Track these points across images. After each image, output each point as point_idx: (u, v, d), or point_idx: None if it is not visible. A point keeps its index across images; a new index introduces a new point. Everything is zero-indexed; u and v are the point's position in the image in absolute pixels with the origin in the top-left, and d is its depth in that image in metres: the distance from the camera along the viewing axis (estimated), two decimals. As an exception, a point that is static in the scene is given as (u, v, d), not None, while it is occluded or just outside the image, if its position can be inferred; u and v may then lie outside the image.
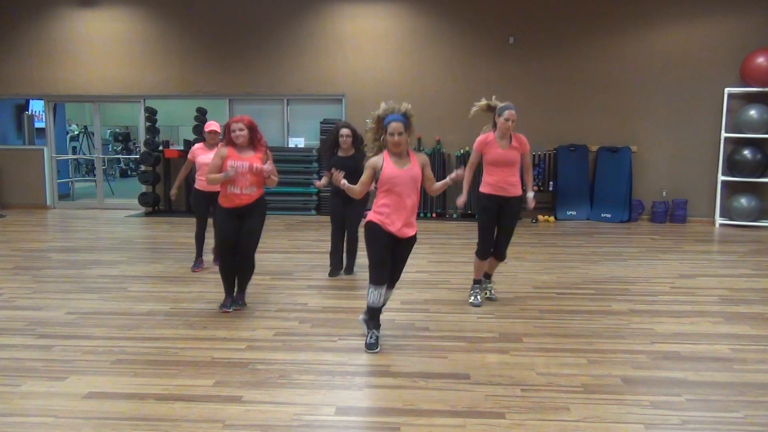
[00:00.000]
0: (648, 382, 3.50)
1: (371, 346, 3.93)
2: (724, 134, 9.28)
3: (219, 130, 5.73)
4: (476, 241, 4.99)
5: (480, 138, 4.89)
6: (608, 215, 9.58)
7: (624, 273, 6.17)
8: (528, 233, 8.50)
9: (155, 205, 10.41)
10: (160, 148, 10.42)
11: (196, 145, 6.14)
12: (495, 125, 4.83)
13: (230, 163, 4.47)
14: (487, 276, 5.16)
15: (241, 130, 4.51)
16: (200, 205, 6.04)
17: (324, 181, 5.74)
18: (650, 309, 4.93)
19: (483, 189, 4.89)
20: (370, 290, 3.91)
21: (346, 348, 4.02)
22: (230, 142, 4.56)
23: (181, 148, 10.51)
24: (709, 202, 9.56)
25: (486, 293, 5.12)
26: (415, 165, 3.87)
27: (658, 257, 6.97)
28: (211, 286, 5.54)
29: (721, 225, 9.30)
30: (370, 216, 3.90)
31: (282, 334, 4.29)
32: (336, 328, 4.40)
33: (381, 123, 3.87)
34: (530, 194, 4.97)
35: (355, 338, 4.21)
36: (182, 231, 8.72)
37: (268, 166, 4.57)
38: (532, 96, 9.68)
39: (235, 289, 4.86)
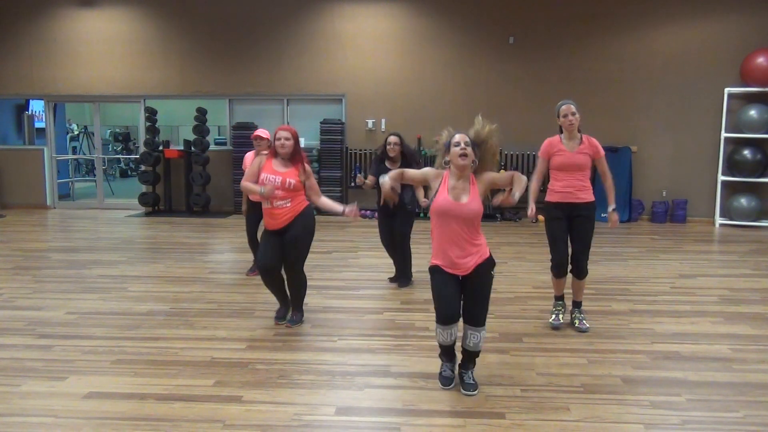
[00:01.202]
0: (648, 382, 3.50)
1: (445, 381, 3.44)
2: (724, 134, 9.27)
3: (264, 136, 5.54)
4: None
5: (545, 143, 4.42)
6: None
7: (624, 273, 6.17)
8: (528, 233, 8.50)
9: (155, 205, 10.41)
10: (160, 148, 10.41)
11: (248, 154, 5.93)
12: (561, 129, 4.40)
13: (263, 176, 4.28)
14: (577, 304, 4.47)
15: (287, 139, 4.29)
16: (250, 214, 5.80)
17: (369, 181, 5.37)
18: (650, 309, 4.93)
19: (549, 198, 4.38)
20: (437, 330, 3.35)
21: (346, 348, 4.02)
22: (274, 152, 4.35)
23: (181, 148, 10.51)
24: (709, 202, 9.56)
25: (576, 322, 4.41)
26: (475, 198, 3.28)
27: (658, 257, 6.97)
28: (212, 286, 5.54)
29: (721, 225, 9.30)
30: (433, 260, 3.38)
31: (282, 334, 4.29)
32: (336, 328, 4.40)
33: (449, 142, 3.39)
34: (612, 206, 4.41)
35: (355, 338, 4.22)
36: (182, 231, 8.73)
37: (339, 208, 4.32)
38: (532, 96, 9.69)
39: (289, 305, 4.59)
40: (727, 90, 9.20)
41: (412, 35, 10.04)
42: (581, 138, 4.37)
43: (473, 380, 3.39)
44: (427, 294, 5.26)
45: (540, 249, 7.45)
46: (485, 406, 3.19)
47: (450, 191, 3.28)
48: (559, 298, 4.54)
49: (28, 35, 10.58)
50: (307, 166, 4.39)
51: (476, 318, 3.31)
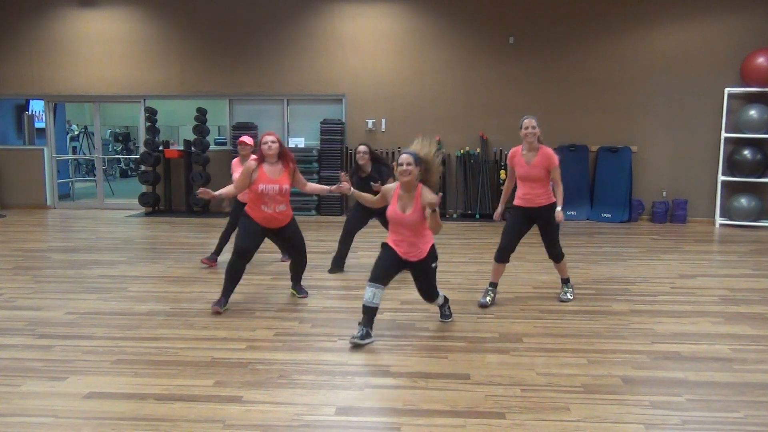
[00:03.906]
0: (648, 382, 3.50)
1: (353, 338, 4.02)
2: (724, 134, 9.27)
3: (248, 142, 5.99)
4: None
5: (510, 151, 5.05)
6: (608, 215, 9.59)
7: (624, 273, 6.17)
8: (528, 233, 8.48)
9: (155, 205, 10.42)
10: (160, 148, 10.41)
11: (234, 160, 6.26)
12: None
13: (261, 187, 4.71)
14: (564, 281, 5.18)
15: (273, 142, 4.77)
16: (238, 210, 5.94)
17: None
18: (650, 309, 4.93)
19: (515, 201, 5.02)
20: (366, 286, 4.05)
21: (346, 348, 4.02)
22: (261, 157, 4.78)
23: (181, 148, 10.51)
24: (709, 202, 9.56)
25: (561, 292, 5.19)
26: (417, 211, 4.06)
27: (658, 257, 6.97)
28: (212, 286, 5.54)
29: (721, 225, 9.30)
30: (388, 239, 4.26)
31: (282, 334, 4.29)
32: (336, 328, 4.40)
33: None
34: (558, 208, 4.90)
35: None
36: (182, 231, 8.73)
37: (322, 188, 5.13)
38: (532, 96, 9.69)
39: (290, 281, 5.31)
40: (727, 90, 9.20)
41: (412, 35, 10.04)
42: (537, 149, 4.84)
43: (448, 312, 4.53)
44: (427, 294, 5.29)
45: (540, 249, 7.43)
46: (485, 406, 3.19)
47: (398, 202, 4.13)
48: (494, 284, 5.04)
49: (28, 35, 10.57)
50: (292, 164, 4.89)
51: (430, 296, 4.34)
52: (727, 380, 3.53)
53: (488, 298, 4.98)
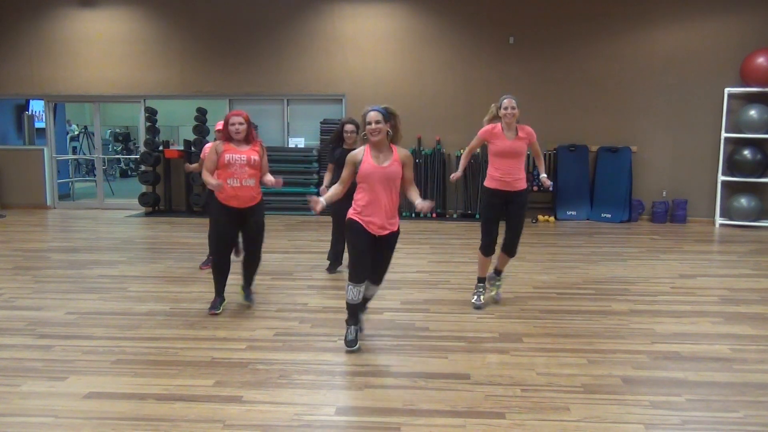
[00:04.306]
0: (648, 382, 3.50)
1: (350, 343, 3.91)
2: (724, 134, 9.27)
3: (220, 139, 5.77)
4: (477, 240, 4.97)
5: (486, 127, 4.79)
6: (608, 215, 9.58)
7: (624, 273, 6.17)
8: (528, 233, 8.45)
9: (155, 205, 10.41)
10: (160, 148, 10.41)
11: (208, 144, 6.00)
12: (499, 118, 4.78)
13: (227, 156, 4.51)
14: (497, 272, 5.09)
15: (240, 123, 4.55)
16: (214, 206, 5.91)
17: (327, 180, 5.95)
18: (650, 309, 4.93)
19: (488, 183, 4.81)
20: (349, 287, 3.87)
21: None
22: (227, 137, 4.61)
23: (181, 148, 10.51)
24: (709, 202, 9.56)
25: (494, 290, 5.06)
26: (395, 162, 3.81)
27: (658, 257, 6.97)
28: (212, 286, 5.52)
29: (721, 225, 9.30)
30: (351, 213, 3.86)
31: (282, 334, 4.29)
32: (336, 328, 4.39)
33: (364, 119, 3.85)
34: (543, 175, 4.95)
35: (355, 338, 4.21)
36: (182, 231, 8.73)
37: (270, 179, 4.65)
38: (532, 96, 9.68)
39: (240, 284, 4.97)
40: (727, 90, 9.20)
41: (412, 35, 10.04)
42: (517, 129, 4.77)
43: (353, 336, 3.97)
44: (427, 294, 5.30)
45: (540, 249, 7.47)
46: (485, 406, 3.19)
47: (373, 159, 3.79)
48: (482, 280, 4.97)
49: (28, 35, 10.57)
50: (261, 148, 4.68)
51: (381, 278, 4.00)
52: (727, 380, 3.53)
53: (482, 298, 4.92)
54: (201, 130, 10.19)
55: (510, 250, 4.92)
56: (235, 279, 4.99)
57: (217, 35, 10.30)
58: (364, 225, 3.79)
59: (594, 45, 9.68)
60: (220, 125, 5.70)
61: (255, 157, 4.58)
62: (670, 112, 9.62)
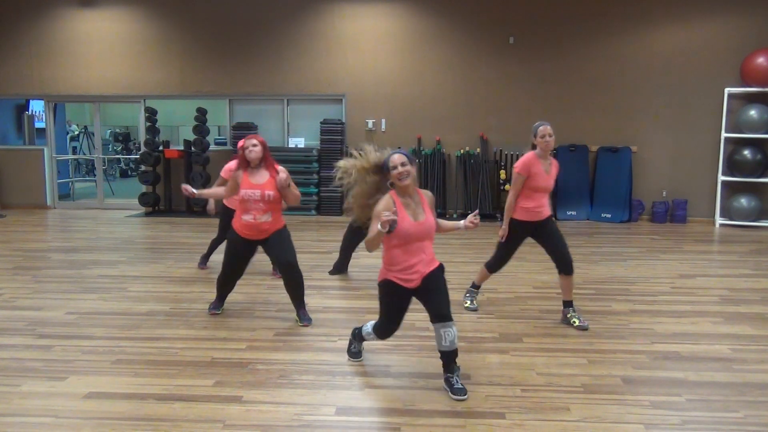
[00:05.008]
0: (648, 382, 3.50)
1: (355, 355, 3.80)
2: (724, 134, 9.27)
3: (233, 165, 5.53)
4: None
5: (525, 159, 4.46)
6: (608, 215, 9.58)
7: (624, 273, 6.17)
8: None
9: (155, 205, 10.41)
10: (161, 148, 10.41)
11: (230, 163, 5.80)
12: (533, 146, 4.52)
13: (242, 192, 4.38)
14: (568, 303, 4.56)
15: (254, 146, 4.40)
16: (226, 222, 5.68)
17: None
18: (650, 309, 4.93)
19: (518, 215, 4.49)
20: (372, 336, 3.61)
21: (346, 348, 4.01)
22: (243, 162, 4.45)
23: (181, 148, 10.51)
24: (709, 202, 9.56)
25: (575, 321, 4.47)
26: (429, 212, 3.41)
27: (658, 257, 6.97)
28: (211, 286, 5.52)
29: (721, 225, 9.30)
30: (385, 274, 3.40)
31: (282, 334, 4.29)
32: (336, 328, 4.40)
33: (380, 167, 3.41)
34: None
35: (355, 338, 4.21)
36: (182, 231, 8.73)
37: (283, 175, 4.40)
38: (532, 96, 9.69)
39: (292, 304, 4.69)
40: (727, 90, 9.20)
41: (412, 35, 10.04)
42: (550, 159, 4.60)
43: (461, 384, 3.34)
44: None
45: (540, 249, 7.43)
46: (485, 406, 3.19)
47: (406, 211, 3.32)
48: (476, 286, 4.93)
49: (28, 35, 10.57)
50: (282, 173, 4.41)
51: (447, 310, 3.30)
52: (727, 380, 3.53)
53: (475, 302, 4.88)
54: (201, 130, 10.19)
55: (567, 268, 4.45)
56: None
57: (217, 35, 10.31)
58: (402, 284, 3.36)
59: (594, 45, 9.68)
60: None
61: (270, 192, 4.37)
62: (670, 112, 9.62)
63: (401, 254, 3.34)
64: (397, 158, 3.33)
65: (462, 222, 3.49)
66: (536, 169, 4.44)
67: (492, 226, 9.03)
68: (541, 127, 4.51)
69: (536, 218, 4.48)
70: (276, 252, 4.49)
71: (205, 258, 6.34)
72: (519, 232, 4.55)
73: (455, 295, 5.21)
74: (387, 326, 3.50)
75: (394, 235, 3.29)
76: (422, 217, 3.35)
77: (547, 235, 4.50)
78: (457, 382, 3.33)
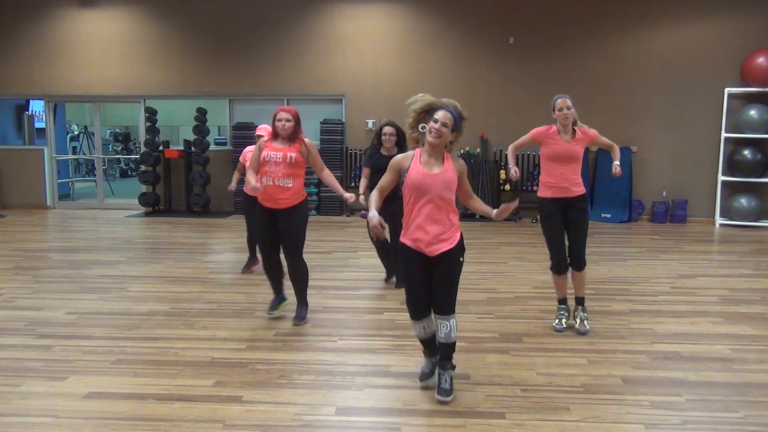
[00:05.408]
0: (648, 382, 3.50)
1: (421, 377, 3.45)
2: (724, 134, 9.27)
3: (265, 134, 5.32)
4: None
5: (540, 127, 4.37)
6: (608, 215, 9.58)
7: (624, 273, 6.17)
8: (528, 233, 8.49)
9: (155, 205, 10.41)
10: (161, 148, 10.41)
11: (247, 148, 5.78)
12: (556, 121, 4.36)
13: (264, 154, 4.27)
14: (580, 301, 4.40)
15: (288, 120, 4.27)
16: (249, 209, 5.64)
17: (363, 182, 5.47)
18: (650, 309, 4.93)
19: (542, 193, 4.35)
20: (411, 323, 3.43)
21: (346, 348, 4.02)
22: (274, 133, 4.35)
23: (181, 148, 10.51)
24: (709, 202, 9.56)
25: (578, 321, 4.37)
26: (450, 170, 3.19)
27: (658, 257, 6.97)
28: (212, 286, 5.54)
29: (721, 225, 9.30)
30: (402, 237, 3.30)
31: (282, 334, 4.29)
32: (336, 328, 4.40)
33: (426, 111, 3.23)
34: (616, 162, 4.46)
35: (355, 338, 4.22)
36: (182, 231, 8.73)
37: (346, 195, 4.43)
38: (532, 96, 9.67)
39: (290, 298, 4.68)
40: (727, 90, 9.20)
41: (412, 35, 10.04)
42: (574, 131, 4.36)
43: (449, 384, 3.25)
44: (427, 294, 5.28)
45: (540, 249, 7.43)
46: (485, 406, 3.19)
47: (423, 165, 3.18)
48: (563, 301, 4.48)
49: (28, 35, 10.57)
50: (307, 141, 4.37)
51: (447, 304, 3.23)
52: (727, 380, 3.53)
53: (564, 322, 4.41)
54: (201, 130, 10.19)
55: (577, 263, 4.30)
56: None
57: (217, 35, 10.30)
58: (412, 245, 3.23)
59: (594, 45, 9.68)
60: (259, 130, 5.48)
61: (293, 154, 4.25)
62: (670, 112, 9.62)
63: (411, 212, 3.21)
64: (442, 115, 3.16)
65: (495, 210, 3.30)
66: (551, 138, 4.30)
67: (492, 225, 9.04)
68: (558, 100, 4.32)
69: (562, 195, 4.25)
70: (283, 240, 4.39)
71: (252, 259, 6.01)
72: (548, 210, 4.32)
73: (459, 295, 5.22)
74: (409, 296, 3.34)
75: (405, 183, 3.19)
76: (436, 170, 3.17)
77: (570, 221, 4.30)
78: (446, 381, 3.26)
